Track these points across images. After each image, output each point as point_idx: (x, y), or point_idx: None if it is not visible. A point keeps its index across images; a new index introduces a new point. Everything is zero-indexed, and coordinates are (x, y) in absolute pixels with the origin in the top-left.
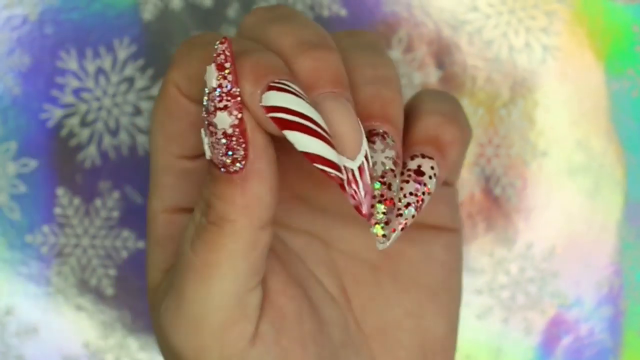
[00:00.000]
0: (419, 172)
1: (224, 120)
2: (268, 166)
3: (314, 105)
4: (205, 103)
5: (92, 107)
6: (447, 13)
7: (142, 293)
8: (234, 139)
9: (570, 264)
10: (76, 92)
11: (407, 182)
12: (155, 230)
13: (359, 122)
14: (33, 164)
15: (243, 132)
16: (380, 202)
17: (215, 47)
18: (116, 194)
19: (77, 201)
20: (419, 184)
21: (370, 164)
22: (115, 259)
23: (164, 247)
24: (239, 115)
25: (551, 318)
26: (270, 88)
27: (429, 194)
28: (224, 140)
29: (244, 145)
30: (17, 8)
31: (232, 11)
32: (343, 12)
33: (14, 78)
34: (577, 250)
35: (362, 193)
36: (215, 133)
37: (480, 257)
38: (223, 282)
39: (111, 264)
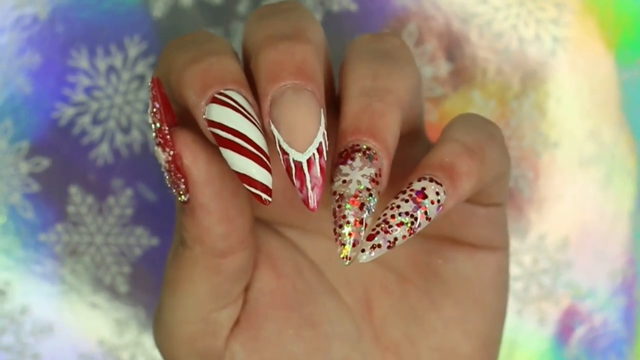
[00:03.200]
0: (422, 194)
1: (160, 156)
2: (212, 199)
3: (273, 100)
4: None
5: (104, 105)
6: (457, 6)
7: (157, 290)
8: (172, 173)
9: (583, 255)
10: (87, 90)
11: (406, 201)
12: (177, 227)
13: (318, 114)
14: (45, 162)
15: (179, 168)
16: (348, 223)
17: (148, 84)
18: (129, 192)
19: (90, 199)
20: (418, 206)
21: (325, 157)
22: (129, 256)
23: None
24: (171, 152)
25: (565, 309)
26: (214, 100)
27: (427, 219)
28: (166, 174)
29: (182, 180)
30: (27, 7)
31: (242, 7)
32: (353, 7)
33: (25, 77)
34: (590, 240)
35: (309, 186)
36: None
37: None
38: (186, 299)
39: (125, 262)
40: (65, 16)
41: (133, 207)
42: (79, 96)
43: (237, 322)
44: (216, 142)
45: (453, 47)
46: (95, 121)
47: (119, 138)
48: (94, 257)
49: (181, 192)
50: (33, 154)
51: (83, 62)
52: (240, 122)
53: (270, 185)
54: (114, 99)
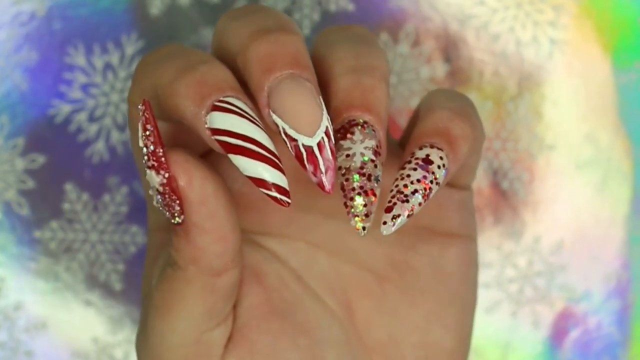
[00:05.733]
0: (427, 160)
1: (154, 179)
2: (208, 219)
3: (270, 91)
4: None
5: (100, 102)
6: (454, 7)
7: None
8: (166, 196)
9: (578, 258)
10: (84, 87)
11: (415, 169)
12: (150, 247)
13: (318, 100)
14: (41, 159)
15: (174, 190)
16: (359, 194)
17: (139, 107)
18: (124, 189)
19: (85, 196)
20: (427, 172)
21: (332, 140)
22: (123, 254)
23: (157, 265)
24: (166, 175)
25: (560, 311)
26: (215, 108)
27: (437, 183)
28: (159, 197)
29: (178, 202)
30: (25, 4)
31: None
32: (350, 7)
33: (22, 74)
34: (585, 243)
35: (323, 169)
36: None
37: (488, 250)
38: (179, 322)
39: (119, 259)
40: (62, 13)
41: (128, 205)
42: (76, 93)
43: (229, 338)
44: (223, 150)
45: (450, 48)
46: (92, 118)
47: (115, 135)
48: (89, 254)
49: (175, 214)
50: (29, 151)
51: (80, 60)
52: (247, 127)
53: (287, 187)
54: (110, 97)
